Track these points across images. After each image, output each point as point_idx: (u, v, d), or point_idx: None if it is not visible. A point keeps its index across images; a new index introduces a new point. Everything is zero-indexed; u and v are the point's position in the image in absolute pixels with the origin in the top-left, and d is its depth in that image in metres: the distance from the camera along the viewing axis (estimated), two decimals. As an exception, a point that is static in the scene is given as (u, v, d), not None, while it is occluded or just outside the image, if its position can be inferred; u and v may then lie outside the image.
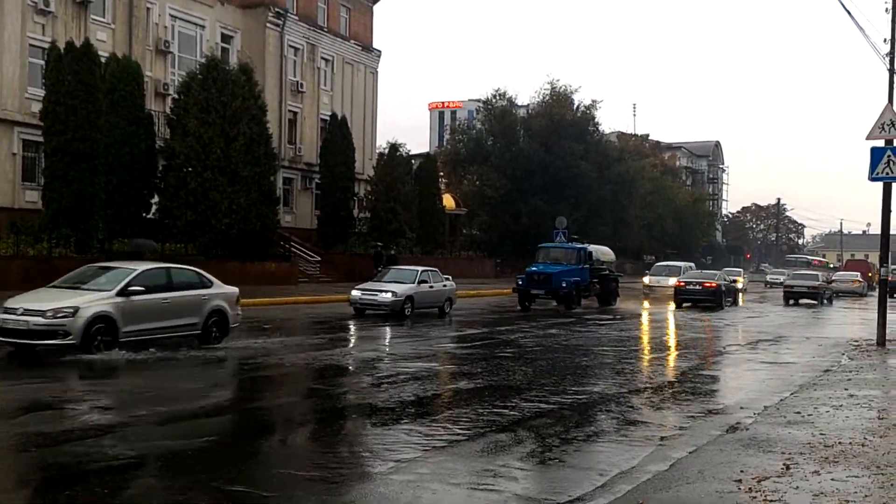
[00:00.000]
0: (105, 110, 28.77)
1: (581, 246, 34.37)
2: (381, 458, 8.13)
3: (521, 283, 31.31)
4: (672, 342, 21.70)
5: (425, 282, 25.87)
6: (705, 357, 18.35)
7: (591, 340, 20.69)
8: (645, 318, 29.90)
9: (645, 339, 22.95)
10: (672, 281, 38.94)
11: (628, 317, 29.69)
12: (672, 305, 35.36)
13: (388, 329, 21.77)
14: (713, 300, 35.85)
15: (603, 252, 37.31)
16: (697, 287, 36.29)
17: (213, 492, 6.87)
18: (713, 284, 36.46)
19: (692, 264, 46.60)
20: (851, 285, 52.50)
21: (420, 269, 26.97)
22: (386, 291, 24.72)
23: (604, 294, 34.40)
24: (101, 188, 28.43)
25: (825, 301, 42.61)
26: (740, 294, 43.98)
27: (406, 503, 6.78)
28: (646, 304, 37.27)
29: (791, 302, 41.30)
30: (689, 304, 35.55)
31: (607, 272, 35.52)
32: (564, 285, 31.05)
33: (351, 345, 18.77)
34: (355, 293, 25.23)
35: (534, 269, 31.84)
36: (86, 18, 34.33)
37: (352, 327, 22.18)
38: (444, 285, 26.92)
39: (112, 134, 29.46)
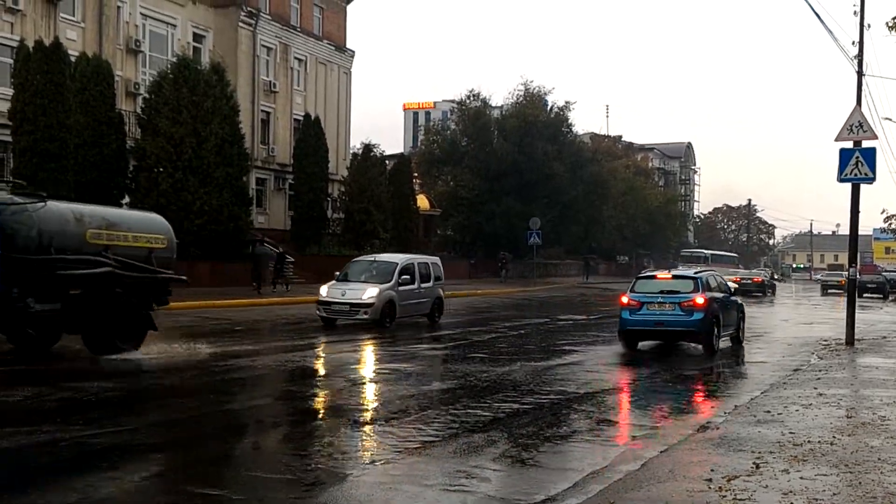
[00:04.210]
0: (75, 110, 28.49)
1: None
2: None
3: None
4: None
5: None
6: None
7: None
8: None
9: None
10: (369, 293, 21.12)
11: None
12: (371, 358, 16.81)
13: None
14: (761, 291, 48.35)
15: (110, 221, 14.82)
16: (749, 282, 48.46)
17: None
18: (760, 280, 50.44)
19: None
20: None
21: None
22: None
23: (92, 325, 14.30)
24: (71, 188, 28.11)
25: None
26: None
27: None
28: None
29: (825, 293, 55.07)
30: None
31: (109, 269, 14.16)
32: None
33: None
34: None
35: None
36: (55, 17, 33.91)
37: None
38: None
39: (82, 134, 29.19)
